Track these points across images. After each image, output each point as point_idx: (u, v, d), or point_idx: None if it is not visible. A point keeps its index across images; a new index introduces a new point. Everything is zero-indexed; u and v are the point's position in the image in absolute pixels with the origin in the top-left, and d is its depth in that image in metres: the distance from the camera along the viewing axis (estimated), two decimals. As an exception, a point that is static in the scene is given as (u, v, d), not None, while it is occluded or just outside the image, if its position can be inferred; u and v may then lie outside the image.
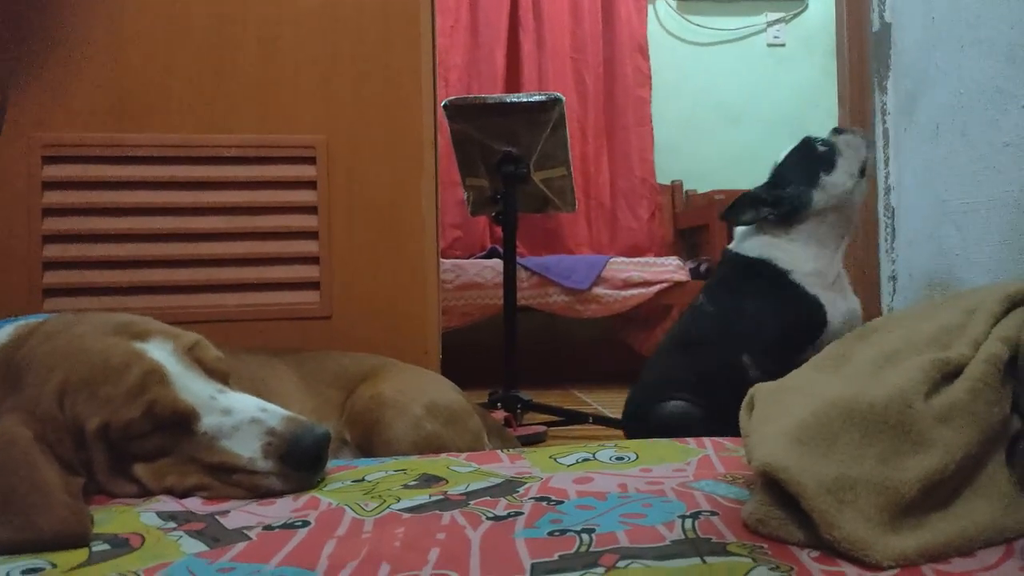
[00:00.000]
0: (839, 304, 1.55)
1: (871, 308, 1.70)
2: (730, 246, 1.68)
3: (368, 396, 1.29)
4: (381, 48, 1.64)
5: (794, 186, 1.62)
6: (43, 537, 0.69)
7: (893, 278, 1.67)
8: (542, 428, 2.15)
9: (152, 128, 1.54)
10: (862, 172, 1.64)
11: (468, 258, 3.66)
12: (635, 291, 3.47)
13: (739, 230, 1.69)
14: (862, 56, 1.74)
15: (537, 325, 3.63)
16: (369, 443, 1.25)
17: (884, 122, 1.70)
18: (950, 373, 0.72)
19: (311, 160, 1.59)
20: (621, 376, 3.63)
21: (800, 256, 1.56)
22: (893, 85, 1.67)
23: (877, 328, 0.91)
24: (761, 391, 0.85)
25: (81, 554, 0.68)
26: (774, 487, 0.69)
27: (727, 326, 1.53)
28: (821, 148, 1.66)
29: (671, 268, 3.55)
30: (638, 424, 1.56)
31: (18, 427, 0.81)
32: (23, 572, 0.64)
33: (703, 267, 3.65)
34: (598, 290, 3.45)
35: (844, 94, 1.82)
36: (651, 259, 3.69)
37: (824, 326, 1.51)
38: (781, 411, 0.77)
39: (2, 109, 1.20)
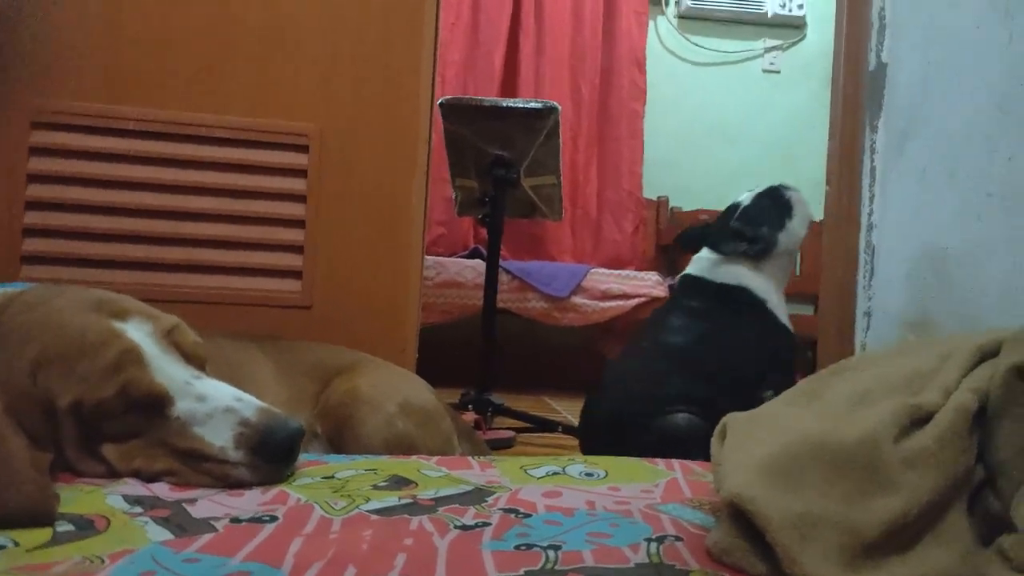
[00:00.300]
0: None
1: (844, 343, 1.72)
2: (694, 272, 1.77)
3: (343, 390, 1.29)
4: (382, 43, 1.63)
5: (766, 228, 1.80)
6: (8, 513, 0.69)
7: (868, 314, 1.70)
8: (511, 433, 2.15)
9: (145, 102, 1.53)
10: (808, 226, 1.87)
11: (451, 256, 3.66)
12: (613, 303, 3.49)
13: (700, 258, 1.80)
14: (856, 93, 1.76)
15: (515, 329, 3.63)
16: (341, 438, 1.25)
17: (872, 160, 1.73)
18: (920, 419, 0.74)
19: (304, 148, 1.59)
20: (594, 386, 3.65)
21: (769, 289, 1.67)
22: (884, 124, 1.70)
23: (851, 367, 0.93)
24: (733, 421, 0.86)
25: (45, 533, 0.67)
26: (740, 518, 0.70)
27: (716, 350, 1.60)
28: (784, 197, 1.87)
29: (650, 283, 3.57)
30: (634, 433, 1.55)
31: (-13, 398, 0.80)
32: (-15, 548, 0.63)
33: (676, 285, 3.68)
34: (577, 299, 3.47)
35: (836, 129, 1.84)
36: (631, 272, 3.72)
37: (794, 352, 1.60)
38: (752, 442, 0.79)
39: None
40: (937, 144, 1.46)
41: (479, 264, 3.42)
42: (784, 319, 1.76)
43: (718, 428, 0.87)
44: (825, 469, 0.71)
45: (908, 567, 0.65)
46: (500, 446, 2.06)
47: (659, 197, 4.24)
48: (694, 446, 1.19)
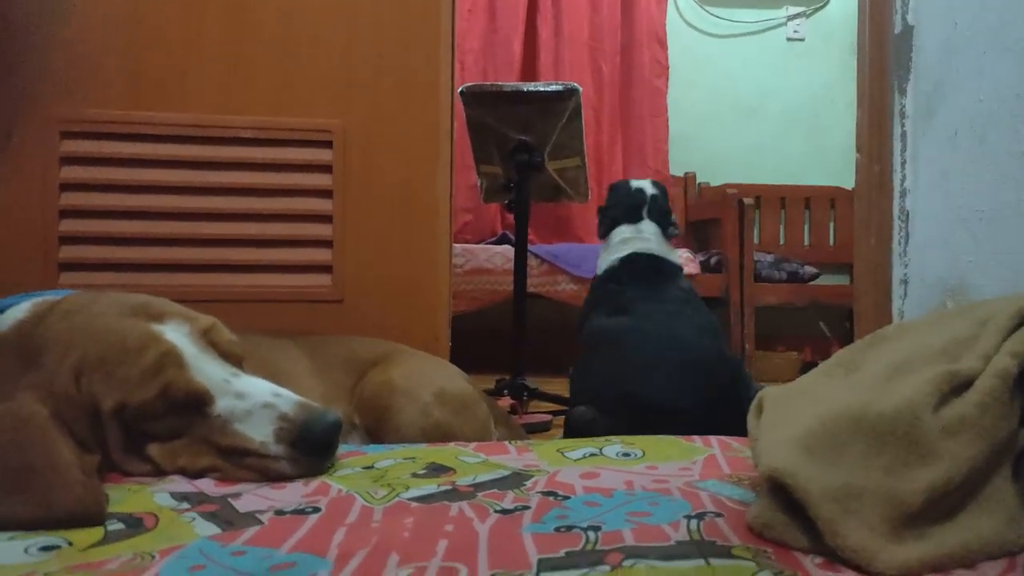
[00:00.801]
0: None
1: (881, 312, 1.70)
2: None
3: (378, 382, 1.31)
4: (399, 34, 1.63)
5: None
6: (59, 515, 0.71)
7: (904, 282, 1.67)
8: (547, 416, 2.16)
9: (169, 107, 1.55)
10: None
11: (479, 243, 3.67)
12: (644, 282, 3.47)
13: None
14: (882, 57, 1.72)
15: (545, 313, 3.63)
16: (378, 429, 1.26)
17: (902, 125, 1.69)
18: (959, 386, 0.73)
19: (327, 144, 1.60)
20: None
21: None
22: (913, 88, 1.66)
23: (888, 337, 0.91)
24: (769, 395, 0.85)
25: (96, 532, 0.69)
26: (780, 492, 0.70)
27: None
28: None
29: (681, 260, 3.54)
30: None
31: (35, 404, 0.83)
32: (40, 549, 0.65)
33: (713, 260, 3.64)
34: (607, 280, 3.45)
35: (863, 95, 1.80)
36: (661, 251, 3.69)
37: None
38: (789, 417, 0.78)
39: (23, 84, 1.20)
40: (968, 106, 1.42)
41: (507, 250, 3.42)
42: None
43: (754, 403, 0.87)
44: (865, 441, 0.70)
45: (952, 535, 0.64)
46: (536, 430, 2.07)
47: (686, 173, 4.21)
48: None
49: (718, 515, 0.76)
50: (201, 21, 1.56)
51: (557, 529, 0.72)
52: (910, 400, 0.71)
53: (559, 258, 3.44)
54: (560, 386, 3.02)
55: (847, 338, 4.05)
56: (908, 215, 1.68)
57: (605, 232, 2.03)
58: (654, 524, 0.73)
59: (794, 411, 0.79)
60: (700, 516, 0.75)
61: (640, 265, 1.92)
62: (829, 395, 0.80)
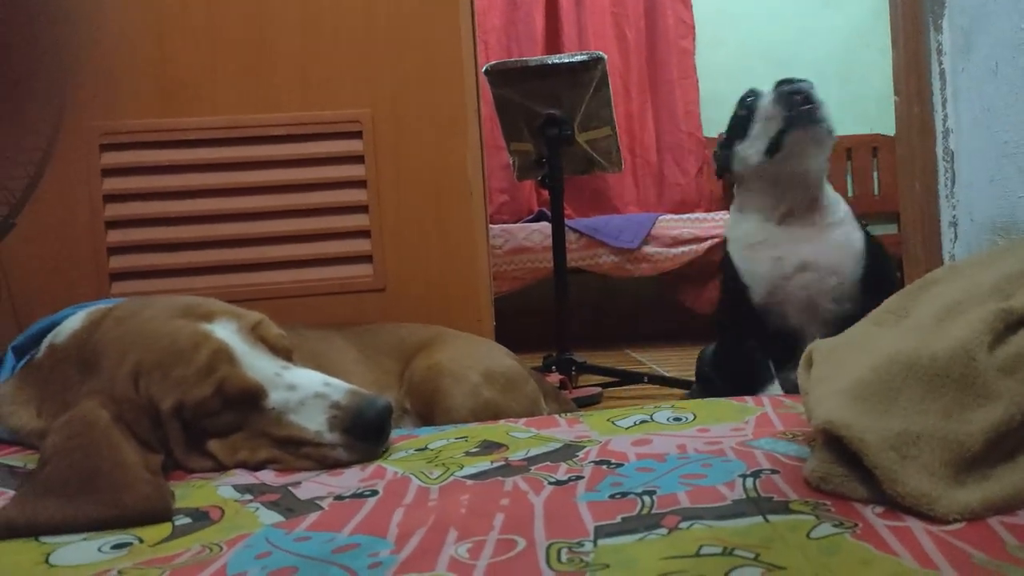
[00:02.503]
0: (763, 267, 1.43)
1: (932, 255, 1.66)
2: None
3: (426, 366, 1.32)
4: (420, 17, 1.63)
5: (721, 148, 1.56)
6: (128, 513, 0.73)
7: (954, 223, 1.63)
8: (597, 389, 2.16)
9: (200, 111, 1.57)
10: (772, 150, 1.41)
11: (516, 222, 3.67)
12: (686, 248, 3.44)
13: None
14: (915, -5, 1.67)
15: (588, 286, 3.63)
16: (429, 412, 1.28)
17: (940, 63, 1.64)
18: (1014, 323, 0.71)
19: (357, 135, 1.61)
20: (675, 334, 3.62)
21: (736, 224, 1.53)
22: (948, 24, 1.61)
23: (938, 279, 0.89)
24: (819, 348, 0.84)
25: (165, 528, 0.71)
26: (835, 444, 0.69)
27: None
28: (741, 111, 1.50)
29: (722, 223, 3.50)
30: None
31: (97, 409, 0.85)
32: (113, 547, 0.67)
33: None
34: (648, 249, 3.43)
35: (897, 35, 1.75)
36: (701, 215, 3.65)
37: (746, 292, 1.44)
38: (840, 368, 0.77)
39: (61, 102, 1.23)
40: (1007, 37, 1.37)
41: (545, 227, 3.41)
42: (745, 263, 1.45)
43: (804, 357, 0.86)
44: (919, 386, 0.69)
45: (1015, 475, 0.63)
46: (588, 403, 2.08)
47: (720, 134, 4.13)
48: None
49: (774, 472, 0.75)
50: (224, 22, 1.58)
51: (612, 496, 0.72)
52: (964, 340, 0.69)
53: (598, 231, 3.43)
54: (608, 358, 3.02)
55: (900, 286, 3.95)
56: (952, 155, 1.63)
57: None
58: (709, 485, 0.73)
59: (845, 362, 0.78)
60: (756, 474, 0.75)
61: None
62: (880, 343, 0.78)
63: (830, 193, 1.53)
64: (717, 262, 3.55)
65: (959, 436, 0.65)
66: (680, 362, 2.92)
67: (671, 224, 3.48)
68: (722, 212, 3.66)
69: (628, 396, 2.17)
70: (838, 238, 1.46)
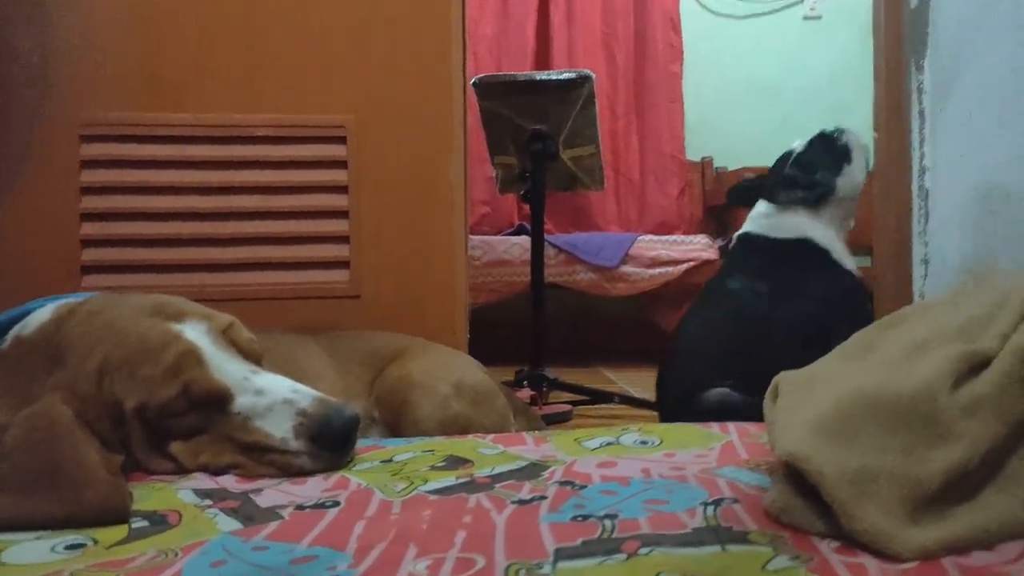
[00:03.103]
0: None
1: (902, 291, 1.68)
2: (750, 230, 1.72)
3: (396, 376, 1.32)
4: (411, 26, 1.64)
5: (822, 173, 1.71)
6: (85, 512, 0.72)
7: (925, 261, 1.65)
8: (567, 407, 2.16)
9: (185, 108, 1.57)
10: (868, 167, 1.76)
11: (496, 235, 3.67)
12: (663, 269, 3.46)
13: (756, 214, 1.73)
14: (899, 33, 1.70)
15: (565, 303, 3.63)
16: (397, 422, 1.27)
17: (920, 102, 1.67)
18: (977, 365, 0.72)
19: (342, 140, 1.61)
20: (648, 355, 3.63)
21: (831, 238, 1.60)
22: (930, 64, 1.64)
23: (906, 317, 0.91)
24: (786, 379, 0.85)
25: (121, 530, 0.70)
26: (796, 476, 0.70)
27: (784, 308, 1.56)
28: (841, 141, 1.79)
29: (700, 246, 3.53)
30: (683, 410, 1.55)
31: (60, 405, 0.84)
32: (67, 547, 0.66)
33: (732, 245, 3.62)
34: (626, 268, 3.45)
35: (880, 72, 1.78)
36: (680, 237, 3.68)
37: (870, 297, 1.59)
38: (806, 400, 0.78)
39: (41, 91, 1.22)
40: (986, 81, 1.40)
41: (525, 240, 3.42)
42: (852, 268, 1.72)
43: (770, 387, 0.86)
44: (881, 422, 0.70)
45: (971, 516, 0.64)
46: (557, 420, 2.08)
47: (703, 158, 4.18)
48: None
49: (735, 501, 0.76)
50: (215, 20, 1.57)
51: (574, 518, 0.72)
52: (927, 380, 0.70)
53: (577, 248, 3.44)
54: (580, 376, 3.02)
55: (870, 321, 4.00)
56: (928, 193, 1.66)
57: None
58: (670, 512, 0.73)
59: (810, 394, 0.79)
60: (717, 503, 0.75)
61: None
62: (846, 377, 0.79)
63: None
64: (695, 284, 3.59)
65: (918, 475, 0.65)
66: (651, 383, 2.93)
67: (650, 245, 3.50)
68: (701, 235, 3.69)
69: (598, 415, 2.18)
70: None
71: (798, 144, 1.84)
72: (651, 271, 3.45)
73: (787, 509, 0.69)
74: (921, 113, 1.67)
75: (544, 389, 2.28)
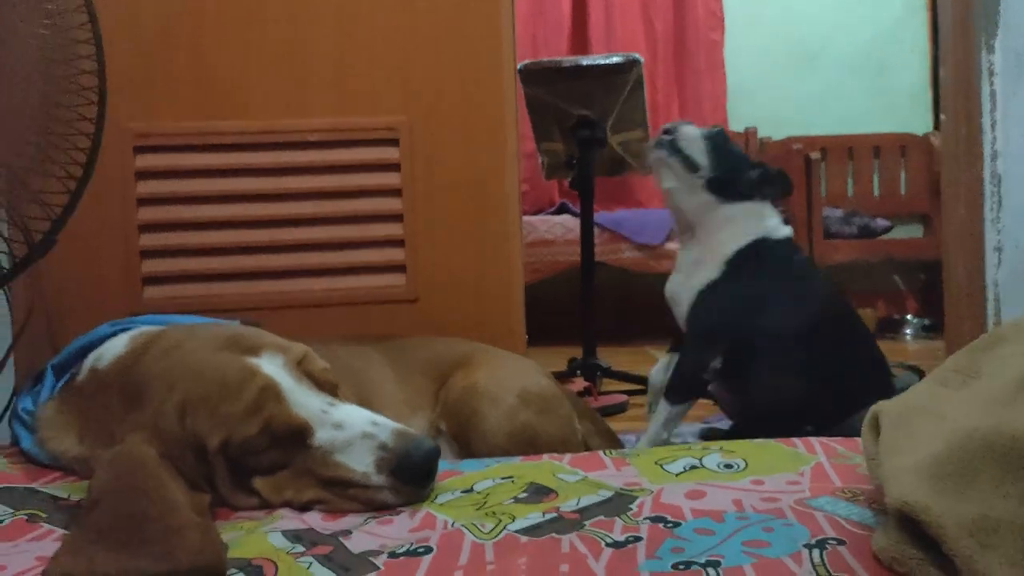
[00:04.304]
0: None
1: (974, 281, 1.63)
2: None
3: (461, 387, 1.30)
4: (459, 22, 1.60)
5: None
6: (181, 567, 0.72)
7: (999, 249, 1.60)
8: (623, 398, 2.15)
9: (235, 116, 1.55)
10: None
11: (537, 214, 3.64)
12: (709, 245, 3.40)
13: None
14: (967, 14, 1.62)
15: (609, 281, 3.60)
16: (464, 435, 1.26)
17: (991, 84, 1.60)
18: (1099, 402, 0.68)
19: (394, 142, 1.58)
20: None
21: None
22: (1001, 45, 1.57)
23: (1006, 338, 0.87)
24: (887, 411, 0.82)
25: (220, 586, 0.70)
26: (908, 523, 0.67)
27: None
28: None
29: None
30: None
31: (144, 446, 0.84)
32: (170, 608, 0.66)
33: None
34: (672, 245, 3.40)
35: (947, 54, 1.71)
36: (725, 212, 3.61)
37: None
38: (912, 437, 0.75)
39: (102, 100, 1.21)
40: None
41: (568, 220, 3.39)
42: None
43: (868, 418, 0.83)
44: (999, 466, 0.67)
45: (1109, 578, 0.61)
46: (613, 412, 2.07)
47: (747, 128, 4.09)
48: None
49: (840, 542, 0.73)
50: (261, 25, 1.55)
51: (675, 566, 0.70)
52: (1048, 423, 0.67)
53: (621, 226, 3.40)
54: (626, 357, 3.00)
55: (923, 292, 3.92)
56: (1000, 179, 1.60)
57: None
58: (774, 557, 0.71)
59: (917, 431, 0.76)
60: (821, 545, 0.73)
61: None
62: (953, 411, 0.76)
63: None
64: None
65: (1043, 526, 0.62)
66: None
67: (695, 221, 3.45)
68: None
69: (654, 405, 2.15)
70: None
71: None
72: (697, 248, 3.40)
73: (902, 560, 0.66)
74: (992, 96, 1.61)
75: (598, 377, 2.26)
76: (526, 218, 3.42)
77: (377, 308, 1.60)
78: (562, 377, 2.01)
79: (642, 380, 2.27)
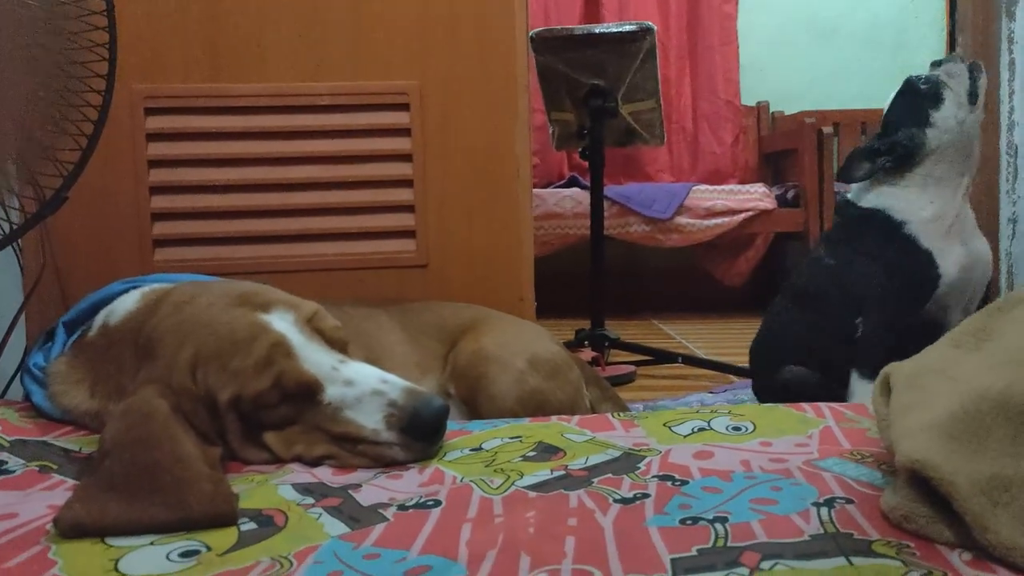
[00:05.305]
0: (955, 253, 1.46)
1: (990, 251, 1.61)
2: (848, 195, 1.60)
3: (471, 351, 1.31)
4: (472, -14, 1.58)
5: (904, 130, 1.52)
6: (193, 516, 0.72)
7: (1013, 220, 1.58)
8: (631, 368, 2.15)
9: (248, 78, 1.54)
10: (972, 98, 1.50)
11: (546, 187, 3.62)
12: (719, 220, 3.39)
13: (857, 184, 1.59)
14: (990, -21, 1.60)
15: (617, 255, 3.59)
16: (473, 398, 1.27)
17: (1011, 51, 1.58)
18: (1114, 363, 0.68)
19: (405, 107, 1.57)
20: (702, 306, 3.59)
21: (916, 203, 1.47)
22: (1023, 11, 1.54)
23: (1022, 300, 0.86)
24: (898, 373, 0.82)
25: (231, 534, 0.71)
26: (918, 482, 0.67)
27: (842, 283, 1.48)
28: (923, 86, 1.54)
29: (757, 195, 3.45)
30: (765, 388, 1.54)
31: (156, 399, 0.84)
32: (181, 555, 0.67)
33: (790, 194, 3.53)
34: (680, 219, 3.39)
35: (966, 21, 1.68)
36: (735, 186, 3.59)
37: (937, 281, 1.43)
38: (924, 398, 0.74)
39: (112, 56, 1.20)
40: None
41: (577, 193, 3.38)
42: (928, 241, 1.46)
43: (879, 380, 0.83)
44: (1012, 426, 0.67)
45: (1121, 535, 0.60)
46: (621, 381, 2.07)
47: (759, 103, 4.05)
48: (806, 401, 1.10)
49: (848, 501, 0.73)
50: (273, -13, 1.54)
51: (682, 521, 0.70)
52: (1062, 383, 0.66)
53: (630, 199, 3.39)
54: (633, 329, 3.00)
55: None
56: (1016, 149, 1.58)
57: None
58: (782, 514, 0.71)
59: (929, 392, 0.75)
60: (829, 503, 0.73)
61: None
62: (966, 372, 0.76)
63: None
64: (750, 235, 3.51)
65: (1055, 485, 0.62)
66: (709, 336, 2.90)
67: (705, 195, 3.43)
68: (758, 184, 3.60)
69: (662, 376, 2.16)
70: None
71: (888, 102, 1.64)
72: (706, 222, 3.39)
73: (911, 517, 0.66)
74: (1011, 64, 1.58)
75: (606, 347, 2.26)
76: (536, 191, 3.41)
77: (387, 273, 1.60)
78: (570, 347, 2.00)
79: (651, 352, 2.28)
